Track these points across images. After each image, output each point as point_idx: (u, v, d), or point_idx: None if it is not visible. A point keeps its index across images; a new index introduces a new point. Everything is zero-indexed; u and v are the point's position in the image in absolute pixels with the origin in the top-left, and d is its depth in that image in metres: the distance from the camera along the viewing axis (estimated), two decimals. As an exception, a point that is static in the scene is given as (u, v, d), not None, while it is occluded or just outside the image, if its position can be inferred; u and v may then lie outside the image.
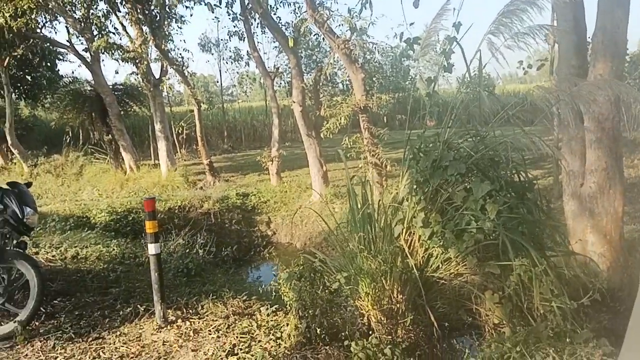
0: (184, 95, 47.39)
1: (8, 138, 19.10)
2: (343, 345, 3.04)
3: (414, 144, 3.95)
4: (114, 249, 5.95)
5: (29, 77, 26.40)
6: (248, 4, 12.83)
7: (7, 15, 10.93)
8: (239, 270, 9.02)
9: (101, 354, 3.24)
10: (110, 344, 3.37)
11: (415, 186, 3.79)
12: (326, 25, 9.06)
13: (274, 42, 22.56)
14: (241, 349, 3.20)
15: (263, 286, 7.00)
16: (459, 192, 3.61)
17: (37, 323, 3.71)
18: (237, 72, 29.25)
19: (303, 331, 3.22)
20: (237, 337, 3.38)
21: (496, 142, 3.83)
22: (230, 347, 3.21)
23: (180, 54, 16.17)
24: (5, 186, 3.98)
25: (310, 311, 3.28)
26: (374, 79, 17.38)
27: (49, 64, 25.21)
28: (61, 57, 24.99)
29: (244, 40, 16.24)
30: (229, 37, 15.85)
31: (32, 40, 18.05)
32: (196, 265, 5.37)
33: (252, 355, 3.09)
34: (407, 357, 2.85)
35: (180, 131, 18.29)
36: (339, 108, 9.87)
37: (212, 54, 23.74)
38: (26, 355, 3.30)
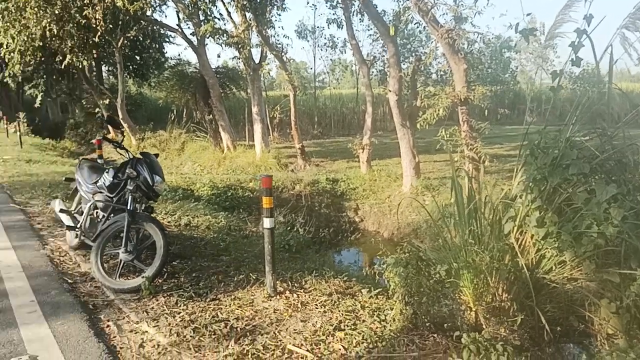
0: (277, 80, 48.71)
1: (119, 112, 20.81)
2: (451, 335, 3.06)
3: (532, 139, 3.82)
4: (221, 221, 6.36)
5: (138, 58, 28.53)
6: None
7: (122, -1, 11.77)
8: (328, 252, 9.27)
9: (219, 313, 3.52)
10: (226, 305, 3.66)
11: (531, 184, 3.67)
12: (430, 13, 8.88)
13: (370, 30, 22.51)
14: (347, 326, 3.33)
15: (355, 269, 7.15)
16: (580, 193, 3.45)
17: (160, 280, 4.10)
18: (331, 60, 29.56)
19: (409, 317, 3.29)
20: (342, 314, 3.52)
21: (624, 143, 3.61)
22: (337, 323, 3.36)
23: (280, 40, 16.62)
24: (139, 156, 4.41)
25: (416, 298, 3.33)
26: (474, 70, 16.78)
27: (157, 46, 27.05)
28: (168, 40, 26.69)
29: (341, 28, 16.38)
30: (328, 25, 16.04)
31: (144, 23, 19.42)
32: (297, 243, 5.62)
33: (359, 333, 3.21)
34: (517, 356, 2.81)
35: (274, 115, 18.90)
36: (438, 99, 9.67)
37: (308, 41, 24.11)
38: (152, 307, 3.66)
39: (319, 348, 3.07)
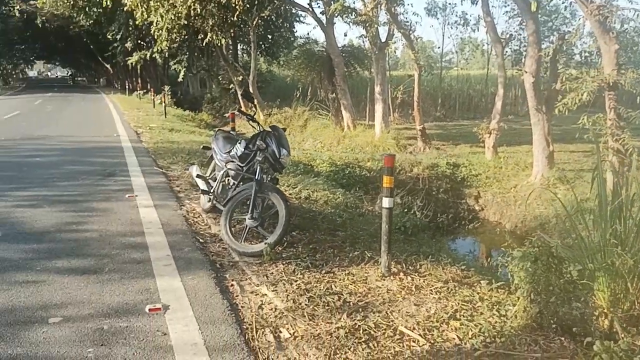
0: (402, 59, 47.71)
1: (250, 89, 21.97)
2: (581, 341, 2.79)
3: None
4: (339, 197, 6.47)
5: (269, 37, 29.77)
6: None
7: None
8: (443, 239, 9.00)
9: (332, 286, 3.60)
10: (340, 279, 3.72)
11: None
12: (581, -12, 7.98)
13: (506, 6, 20.95)
14: (463, 316, 3.19)
15: (471, 258, 6.87)
16: None
17: (280, 248, 4.29)
18: (461, 38, 28.17)
19: (533, 315, 3.06)
20: (458, 303, 3.38)
21: None
22: (452, 312, 3.24)
23: (408, 18, 16.20)
24: (268, 129, 4.62)
25: (543, 296, 3.08)
26: (627, 52, 14.86)
27: (288, 25, 27.96)
28: (299, 20, 27.41)
29: (475, 4, 15.48)
30: (461, 1, 15.26)
31: (277, 2, 20.11)
32: (412, 226, 5.53)
33: (476, 325, 3.06)
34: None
35: (397, 95, 18.60)
36: (582, 82, 8.72)
37: (437, 19, 23.17)
38: (271, 273, 3.85)
39: (432, 334, 3.00)
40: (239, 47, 30.35)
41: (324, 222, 5.17)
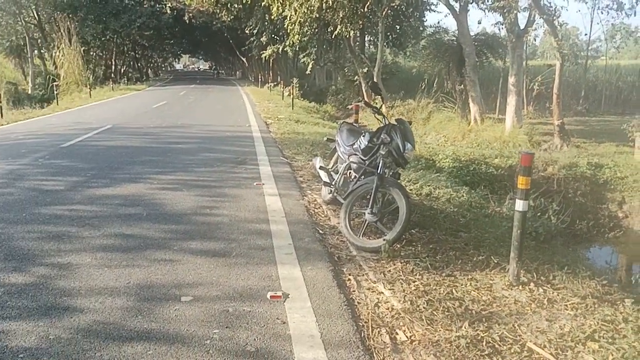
0: (540, 48, 44.04)
1: (375, 79, 21.89)
2: None
3: None
4: (462, 195, 6.15)
5: (397, 27, 29.30)
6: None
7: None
8: (579, 247, 8.17)
9: (453, 291, 3.41)
10: (462, 284, 3.52)
11: None
12: None
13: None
14: (603, 338, 2.83)
15: (611, 271, 6.11)
16: None
17: (398, 246, 4.19)
18: (612, 24, 25.10)
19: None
20: (597, 322, 3.00)
21: None
22: (590, 331, 2.89)
23: (552, 2, 14.85)
24: (394, 122, 4.51)
25: None
26: None
27: (418, 14, 27.27)
28: (429, 8, 26.56)
29: (635, -15, 13.65)
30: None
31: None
32: (546, 232, 5.05)
33: (618, 349, 2.69)
34: None
35: (534, 87, 17.21)
36: None
37: (586, 3, 20.81)
38: (389, 270, 3.77)
39: (565, 355, 2.69)
40: (366, 39, 30.39)
41: (445, 221, 4.95)
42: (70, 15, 32.65)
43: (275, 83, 33.42)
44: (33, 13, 35.38)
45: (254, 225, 4.64)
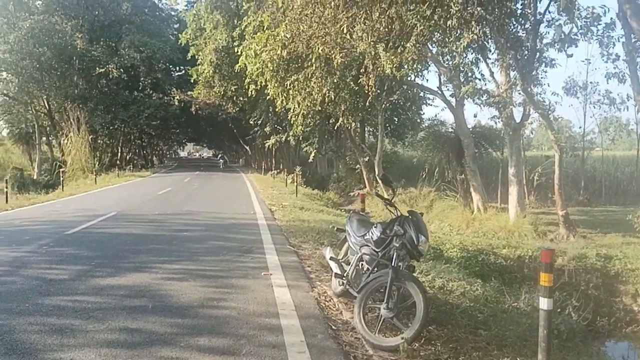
0: (535, 139, 45.41)
1: (376, 169, 22.30)
2: None
3: None
4: (477, 289, 5.98)
5: (396, 119, 30.51)
6: (636, 42, 11.34)
7: (391, 66, 12.68)
8: (595, 342, 7.80)
9: (480, 397, 3.19)
10: (489, 390, 3.30)
11: None
12: None
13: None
14: None
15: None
16: None
17: (417, 344, 3.98)
18: (605, 117, 26.11)
19: None
20: None
21: None
22: None
23: (546, 98, 15.53)
24: (406, 214, 4.50)
25: None
26: None
27: (415, 108, 28.49)
28: (426, 102, 27.77)
29: (624, 83, 14.35)
30: (607, 80, 14.25)
31: (406, 87, 20.70)
32: (568, 329, 4.83)
33: None
34: None
35: (536, 177, 17.49)
36: None
37: (577, 98, 21.75)
38: (408, 371, 3.55)
39: None
40: (366, 129, 31.47)
41: (463, 317, 4.76)
42: (81, 105, 34.09)
43: (278, 170, 34.06)
44: (44, 102, 36.94)
45: (263, 319, 4.45)
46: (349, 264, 5.04)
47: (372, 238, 4.63)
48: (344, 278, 4.90)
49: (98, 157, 36.23)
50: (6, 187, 16.81)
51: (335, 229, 6.12)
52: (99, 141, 38.77)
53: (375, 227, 4.72)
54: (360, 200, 10.44)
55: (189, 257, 7.03)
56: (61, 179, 23.14)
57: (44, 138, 39.47)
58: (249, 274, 6.09)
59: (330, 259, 5.26)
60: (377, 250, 4.51)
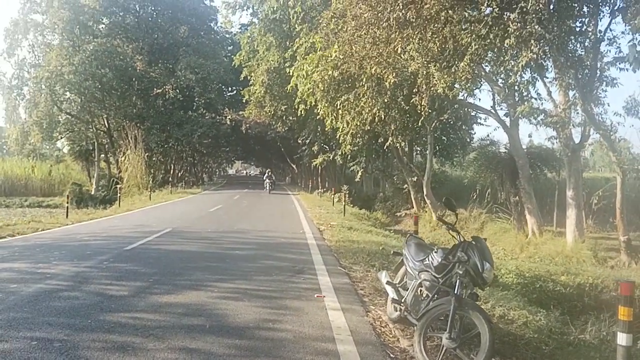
0: (591, 160, 43.49)
1: (424, 189, 21.93)
2: None
3: None
4: (540, 319, 5.68)
5: (445, 139, 29.99)
6: None
7: (444, 86, 12.50)
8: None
9: None
10: None
11: None
12: None
13: None
14: None
15: None
16: None
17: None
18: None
19: None
20: None
21: None
22: None
23: (607, 118, 14.82)
24: (469, 240, 4.34)
25: None
26: None
27: (466, 128, 27.94)
28: (478, 122, 27.18)
29: (693, 101, 13.54)
30: (673, 98, 13.48)
31: (458, 106, 20.34)
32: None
33: None
34: None
35: (595, 201, 16.66)
36: None
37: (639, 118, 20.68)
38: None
39: None
40: (414, 149, 31.14)
41: (527, 349, 4.52)
42: (138, 124, 35.63)
43: (324, 189, 34.15)
44: (104, 121, 38.85)
45: (319, 344, 4.38)
46: (406, 289, 4.91)
47: (432, 263, 4.49)
48: (401, 304, 4.77)
49: (152, 174, 37.61)
50: (67, 202, 17.63)
51: (392, 252, 6.00)
52: (153, 159, 40.25)
53: (435, 252, 4.58)
54: (414, 222, 10.23)
55: (243, 276, 7.08)
56: (118, 195, 24.08)
57: (103, 155, 41.47)
58: (302, 295, 6.06)
59: (386, 283, 5.15)
60: (437, 276, 4.37)
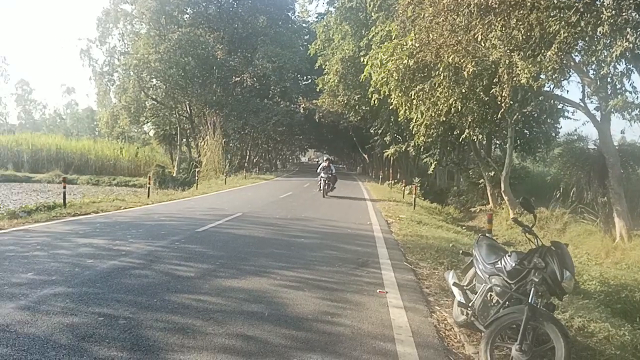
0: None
1: (502, 185, 20.84)
2: None
3: None
4: (625, 334, 5.14)
5: (526, 132, 28.26)
6: None
7: (528, 76, 11.68)
8: None
9: None
10: None
11: None
12: None
13: None
14: None
15: None
16: None
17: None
18: None
19: None
20: None
21: None
22: None
23: None
24: (549, 244, 3.97)
25: None
26: None
27: (551, 121, 26.17)
28: (565, 115, 25.34)
29: None
30: None
31: (543, 98, 19.03)
32: None
33: None
34: None
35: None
36: None
37: None
38: None
39: None
40: (492, 142, 29.72)
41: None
42: (217, 111, 36.95)
43: (395, 181, 33.60)
44: (186, 107, 40.68)
45: (378, 343, 4.23)
46: (474, 293, 4.62)
47: (504, 267, 4.16)
48: (469, 308, 4.48)
49: (229, 159, 38.91)
50: (149, 183, 18.64)
51: (461, 252, 5.68)
52: (230, 144, 41.64)
53: (509, 255, 4.24)
54: (487, 220, 9.72)
55: (305, 265, 7.06)
56: (196, 177, 25.15)
57: (184, 140, 43.54)
58: (364, 289, 5.91)
59: (453, 284, 4.87)
60: (510, 282, 4.04)
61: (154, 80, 39.02)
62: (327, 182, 20.06)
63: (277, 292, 5.51)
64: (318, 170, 21.13)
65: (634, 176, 18.85)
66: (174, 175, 37.98)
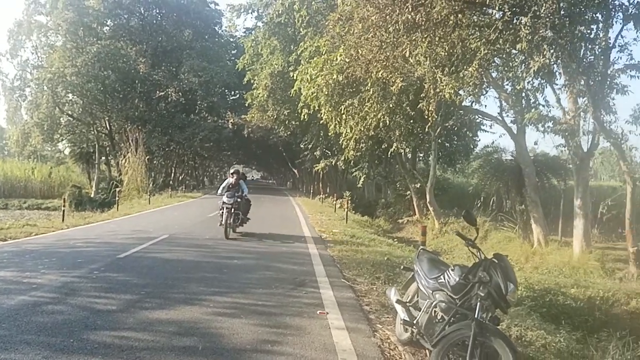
0: (594, 168, 43.14)
1: (427, 196, 21.55)
2: None
3: None
4: (559, 340, 5.27)
5: (448, 145, 29.63)
6: None
7: (451, 91, 12.13)
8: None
9: None
10: None
11: None
12: None
13: None
14: None
15: None
16: None
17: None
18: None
19: None
20: None
21: None
22: None
23: (618, 126, 14.48)
24: (491, 258, 3.94)
25: None
26: None
27: (471, 134, 27.60)
28: (482, 129, 26.82)
29: None
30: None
31: (463, 112, 20.00)
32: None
33: None
34: None
35: (603, 211, 16.29)
36: None
37: (646, 126, 20.35)
38: None
39: None
40: (417, 155, 30.79)
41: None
42: (140, 127, 35.29)
43: (326, 195, 33.76)
44: (105, 123, 38.55)
45: (323, 370, 3.98)
46: (418, 309, 4.51)
47: (448, 282, 4.08)
48: (413, 326, 4.36)
49: (153, 177, 37.20)
50: (64, 206, 17.26)
51: (402, 267, 5.60)
52: (154, 162, 39.88)
53: (452, 269, 4.18)
54: (421, 232, 9.83)
55: (240, 288, 6.68)
56: (117, 198, 23.71)
57: (103, 158, 41.15)
58: (303, 311, 5.66)
59: (396, 301, 4.75)
60: (455, 297, 3.96)
61: (70, 95, 36.65)
62: (231, 211, 12.64)
63: (211, 321, 5.11)
64: (219, 191, 13.50)
65: (547, 184, 20.20)
66: (92, 196, 35.67)
